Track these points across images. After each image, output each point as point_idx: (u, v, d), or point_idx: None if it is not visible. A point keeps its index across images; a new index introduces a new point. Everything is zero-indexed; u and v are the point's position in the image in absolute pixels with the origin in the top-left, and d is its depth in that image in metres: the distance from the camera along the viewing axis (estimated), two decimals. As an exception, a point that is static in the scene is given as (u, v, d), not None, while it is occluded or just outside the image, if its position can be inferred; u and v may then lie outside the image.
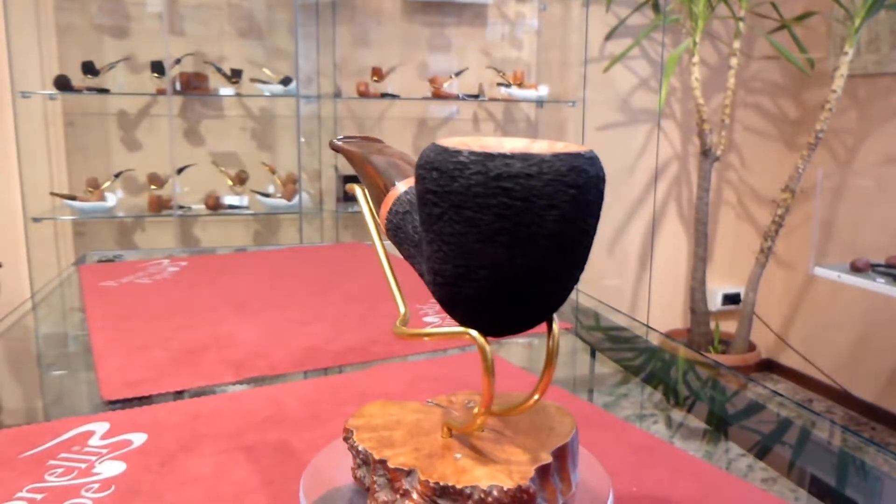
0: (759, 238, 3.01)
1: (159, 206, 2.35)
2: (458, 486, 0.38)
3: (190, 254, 1.49)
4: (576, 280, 0.39)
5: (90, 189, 2.30)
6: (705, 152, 2.69)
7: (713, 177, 2.86)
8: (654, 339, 1.03)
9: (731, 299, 3.11)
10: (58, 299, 1.20)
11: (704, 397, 0.81)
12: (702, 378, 0.87)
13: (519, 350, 0.95)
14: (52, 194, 2.31)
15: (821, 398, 2.89)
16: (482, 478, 0.38)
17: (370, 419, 0.47)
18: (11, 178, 2.28)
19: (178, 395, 0.74)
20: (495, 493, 0.37)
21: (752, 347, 2.84)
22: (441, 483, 0.38)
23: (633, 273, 3.05)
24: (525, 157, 0.35)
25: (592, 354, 0.97)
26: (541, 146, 0.39)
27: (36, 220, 2.28)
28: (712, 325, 2.90)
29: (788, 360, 3.09)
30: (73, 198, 2.28)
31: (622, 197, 2.99)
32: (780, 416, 0.72)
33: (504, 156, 0.35)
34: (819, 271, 2.30)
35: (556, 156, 0.35)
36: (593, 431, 0.64)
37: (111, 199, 2.31)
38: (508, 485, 0.37)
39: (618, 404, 0.76)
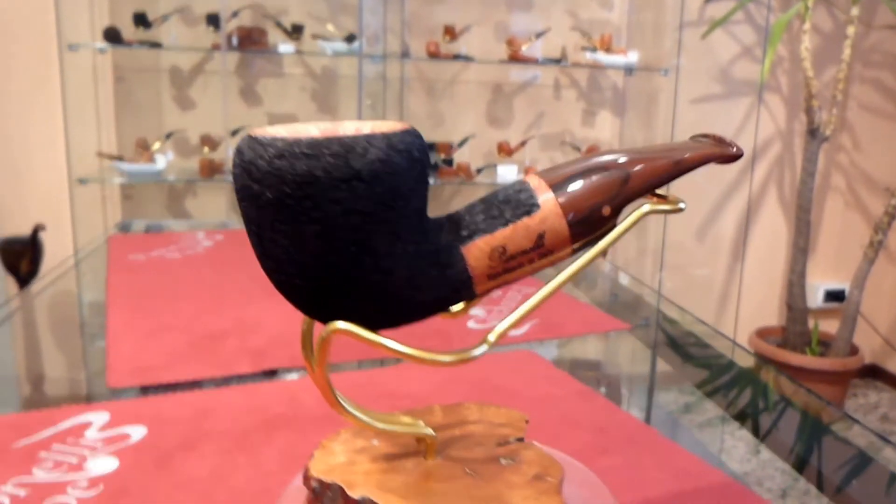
0: (870, 230, 2.75)
1: (211, 170, 2.18)
2: (314, 453, 0.44)
3: (236, 226, 1.43)
4: (342, 279, 0.37)
5: (139, 150, 2.14)
6: (813, 131, 2.45)
7: (820, 159, 2.61)
8: (728, 350, 0.95)
9: (833, 296, 2.88)
10: (100, 263, 1.20)
11: (781, 430, 0.72)
12: (783, 405, 0.78)
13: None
14: (99, 154, 2.16)
15: (929, 411, 2.64)
16: (321, 458, 0.43)
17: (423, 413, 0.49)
18: (57, 137, 2.14)
19: (189, 385, 0.71)
20: (310, 472, 0.42)
21: (854, 351, 2.59)
22: (316, 450, 0.44)
23: (725, 262, 2.82)
24: (255, 140, 0.36)
25: (654, 358, 0.91)
26: (353, 126, 0.39)
27: (82, 181, 2.13)
28: (811, 323, 2.66)
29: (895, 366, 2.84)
30: (120, 158, 2.13)
31: (716, 178, 2.74)
32: (873, 461, 0.64)
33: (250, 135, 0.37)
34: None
35: (272, 139, 0.35)
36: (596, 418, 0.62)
37: (161, 162, 2.15)
38: (319, 476, 0.41)
39: (699, 407, 0.74)
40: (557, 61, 2.43)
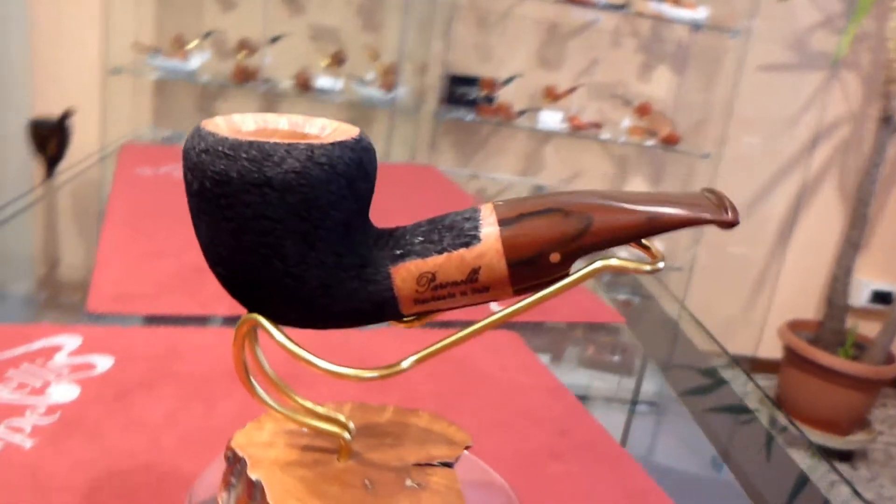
0: (932, 231, 2.58)
1: (245, 76, 2.13)
2: (248, 424, 0.45)
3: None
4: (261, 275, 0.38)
5: (175, 45, 2.09)
6: (887, 119, 2.28)
7: (890, 149, 2.42)
8: (726, 365, 0.88)
9: (880, 297, 2.72)
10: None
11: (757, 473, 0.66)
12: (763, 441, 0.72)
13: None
14: (135, 46, 2.12)
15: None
16: (249, 431, 0.44)
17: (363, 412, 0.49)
18: (94, 23, 2.10)
19: (164, 320, 0.70)
20: (231, 441, 0.43)
21: (891, 359, 2.44)
22: (251, 421, 0.46)
23: (768, 244, 2.68)
24: (197, 130, 0.37)
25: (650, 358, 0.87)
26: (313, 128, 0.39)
27: (115, 71, 2.10)
28: (850, 323, 2.51)
29: (933, 380, 2.66)
30: (157, 52, 2.08)
31: (773, 153, 2.59)
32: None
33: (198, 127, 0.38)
34: None
35: (207, 133, 0.36)
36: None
37: (195, 61, 2.10)
38: (235, 448, 0.42)
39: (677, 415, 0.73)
40: (620, 7, 2.29)
